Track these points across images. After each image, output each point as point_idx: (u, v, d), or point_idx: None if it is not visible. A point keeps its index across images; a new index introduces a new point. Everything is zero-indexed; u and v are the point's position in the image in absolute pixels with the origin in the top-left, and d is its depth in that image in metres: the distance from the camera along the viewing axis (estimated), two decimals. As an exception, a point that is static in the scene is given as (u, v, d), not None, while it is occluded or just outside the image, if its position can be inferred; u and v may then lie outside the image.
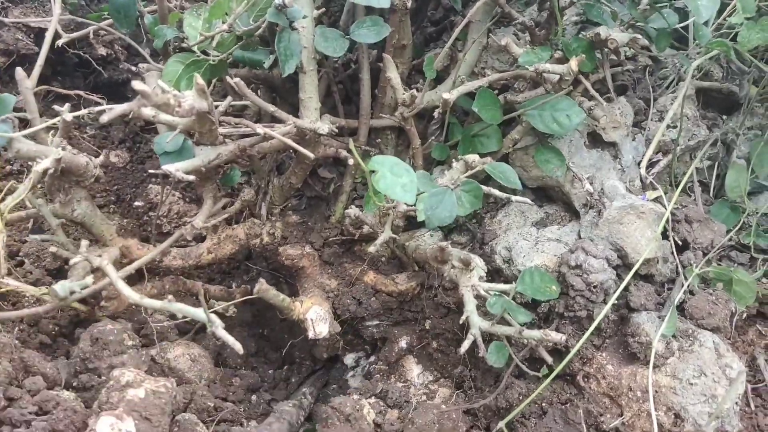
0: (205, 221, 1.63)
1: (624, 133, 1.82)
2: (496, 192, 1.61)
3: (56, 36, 1.77)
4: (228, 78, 1.50)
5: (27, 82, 1.43)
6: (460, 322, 1.46)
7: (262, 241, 1.84)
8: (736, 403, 1.41)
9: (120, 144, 2.31)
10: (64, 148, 1.37)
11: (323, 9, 1.70)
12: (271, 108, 1.57)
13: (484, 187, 1.56)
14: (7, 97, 1.38)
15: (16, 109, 1.45)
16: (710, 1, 1.48)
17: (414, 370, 1.82)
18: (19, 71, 1.42)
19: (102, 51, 2.36)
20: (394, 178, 1.35)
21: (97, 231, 1.58)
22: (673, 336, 1.47)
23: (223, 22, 1.50)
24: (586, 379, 1.53)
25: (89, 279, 1.35)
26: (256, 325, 2.08)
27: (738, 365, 1.42)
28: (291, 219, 1.93)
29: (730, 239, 1.71)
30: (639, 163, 1.80)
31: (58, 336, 1.59)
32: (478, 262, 1.54)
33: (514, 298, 1.48)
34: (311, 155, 1.51)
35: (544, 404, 1.54)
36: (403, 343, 1.85)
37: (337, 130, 1.66)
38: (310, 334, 1.61)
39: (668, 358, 1.45)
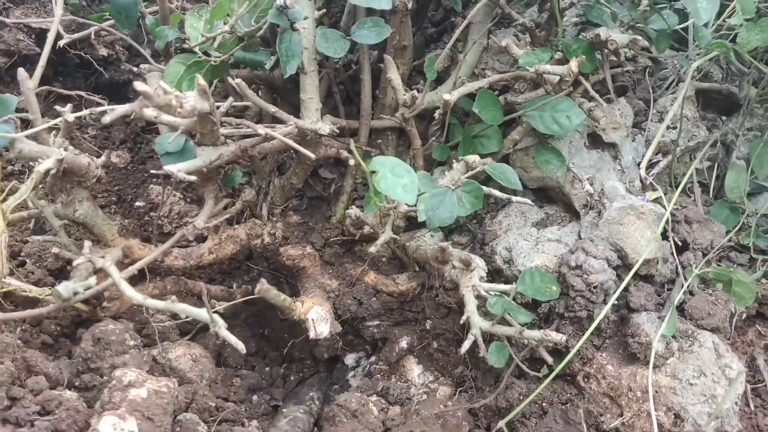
0: (207, 222, 1.64)
1: (624, 133, 1.82)
2: (497, 193, 1.62)
3: (58, 37, 1.77)
4: (229, 79, 1.51)
5: (29, 82, 1.43)
6: (461, 322, 1.46)
7: (263, 241, 1.85)
8: (736, 403, 1.41)
9: (121, 144, 2.32)
10: (65, 149, 1.38)
11: (324, 10, 1.70)
12: (272, 109, 1.57)
13: (484, 188, 1.57)
14: (10, 98, 1.38)
15: (17, 110, 1.45)
16: (709, 2, 1.48)
17: (414, 370, 1.83)
18: (22, 72, 1.42)
19: (103, 51, 2.37)
20: (395, 179, 1.35)
21: (98, 231, 1.58)
22: (673, 336, 1.48)
23: (225, 23, 1.50)
24: (586, 379, 1.54)
25: (92, 280, 1.35)
26: (256, 325, 2.08)
27: (737, 365, 1.43)
28: (292, 219, 1.94)
29: (729, 240, 1.71)
30: (639, 164, 1.80)
31: (60, 336, 1.59)
32: (478, 262, 1.55)
33: (514, 299, 1.49)
34: (312, 156, 1.51)
35: (544, 404, 1.55)
36: (403, 343, 1.86)
37: (338, 131, 1.66)
38: (311, 334, 1.62)
39: (668, 359, 1.46)
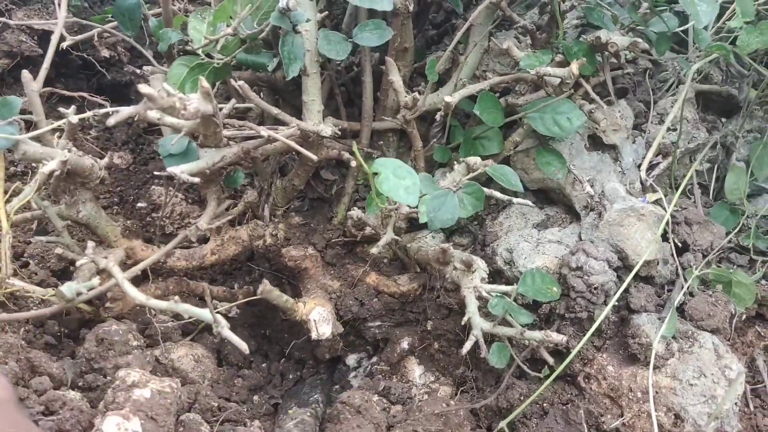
0: (210, 223, 1.64)
1: (624, 135, 1.83)
2: (498, 194, 1.62)
3: (61, 38, 1.78)
4: (232, 81, 1.52)
5: (33, 84, 1.44)
6: (462, 323, 1.47)
7: (265, 242, 1.85)
8: (736, 403, 1.42)
9: (123, 145, 2.32)
10: (69, 150, 1.39)
11: (326, 12, 1.71)
12: (274, 110, 1.58)
13: (485, 190, 1.57)
14: (14, 100, 1.39)
15: (21, 111, 1.46)
16: (709, 5, 1.49)
17: (416, 370, 1.84)
18: (26, 74, 1.43)
19: (105, 53, 2.37)
20: (397, 181, 1.36)
21: (102, 232, 1.59)
22: (673, 337, 1.48)
23: (228, 26, 1.51)
24: (586, 380, 1.55)
25: (95, 280, 1.36)
26: (258, 325, 2.09)
27: (737, 366, 1.43)
28: (293, 220, 1.94)
29: (729, 241, 1.72)
30: (639, 166, 1.81)
31: (64, 336, 1.60)
32: (480, 263, 1.55)
33: (515, 300, 1.49)
34: (314, 157, 1.52)
35: (545, 405, 1.55)
36: (404, 344, 1.86)
37: (339, 133, 1.67)
38: (313, 335, 1.62)
39: (668, 359, 1.46)
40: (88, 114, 1.48)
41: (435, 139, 1.92)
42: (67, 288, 1.29)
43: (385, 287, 1.86)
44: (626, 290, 1.54)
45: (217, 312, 1.15)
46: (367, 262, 1.90)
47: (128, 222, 2.05)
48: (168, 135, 1.63)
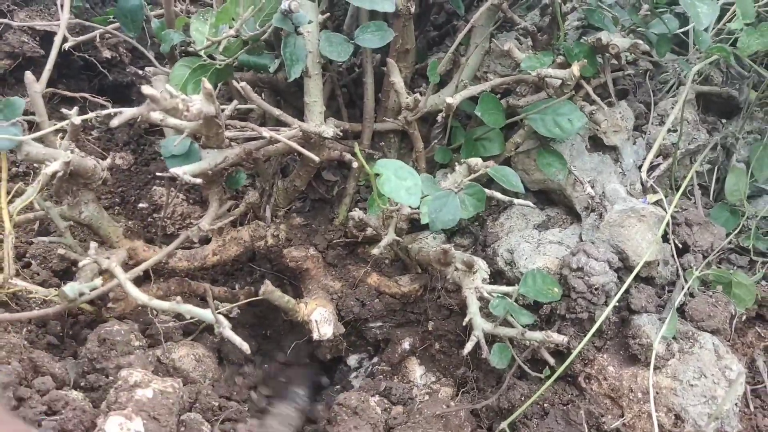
0: (211, 223, 1.65)
1: (625, 137, 1.84)
2: (499, 195, 1.63)
3: (63, 39, 1.78)
4: (234, 82, 1.52)
5: (36, 86, 1.44)
6: (463, 323, 1.47)
7: (266, 243, 1.86)
8: (736, 404, 1.42)
9: (124, 146, 2.33)
10: (72, 151, 1.39)
11: (327, 14, 1.72)
12: (276, 112, 1.58)
13: (486, 191, 1.58)
14: (18, 101, 1.40)
15: (23, 112, 1.47)
16: (710, 7, 1.50)
17: (417, 371, 1.84)
18: (29, 75, 1.43)
19: (107, 54, 2.38)
20: (399, 182, 1.37)
21: (104, 233, 1.59)
22: (674, 338, 1.49)
23: (230, 27, 1.52)
24: (587, 380, 1.55)
25: (98, 281, 1.36)
26: (259, 325, 2.09)
27: (737, 367, 1.44)
28: (295, 221, 1.95)
29: (729, 242, 1.72)
30: (640, 167, 1.81)
31: (66, 337, 1.60)
32: (481, 264, 1.56)
33: (516, 300, 1.49)
34: (316, 158, 1.53)
35: (545, 405, 1.56)
36: (406, 345, 1.87)
37: (341, 134, 1.67)
38: (315, 336, 1.63)
39: (669, 360, 1.47)
40: (91, 115, 1.49)
41: (436, 140, 1.93)
42: (70, 288, 1.30)
43: (386, 288, 1.86)
44: (627, 291, 1.54)
45: (219, 312, 1.16)
46: (369, 263, 1.91)
47: (130, 223, 2.06)
48: (170, 136, 1.64)
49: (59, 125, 1.44)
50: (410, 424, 1.54)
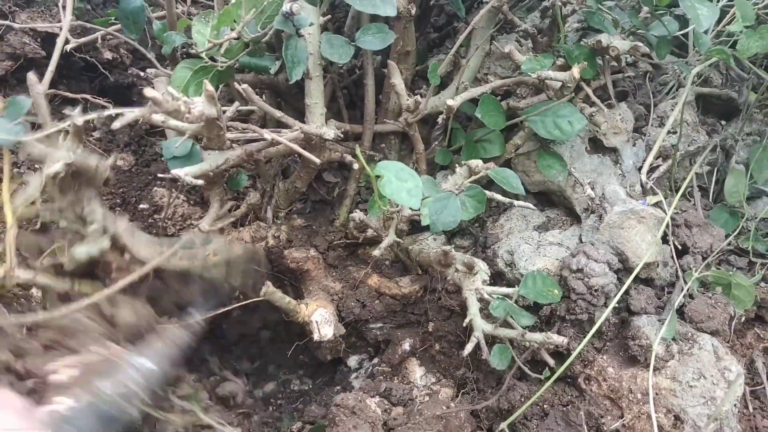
0: (212, 224, 1.66)
1: (625, 138, 1.84)
2: (499, 197, 1.63)
3: (65, 41, 1.79)
4: (236, 84, 1.53)
5: (39, 87, 1.45)
6: (464, 324, 1.48)
7: (267, 244, 1.86)
8: (735, 405, 1.43)
9: (125, 147, 2.33)
10: (74, 152, 1.39)
11: (328, 16, 1.72)
12: (277, 113, 1.59)
13: (487, 192, 1.58)
14: (23, 100, 1.40)
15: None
16: (710, 9, 1.50)
17: (417, 371, 1.84)
18: (31, 76, 1.44)
19: (108, 55, 2.39)
20: (400, 183, 1.37)
21: (105, 233, 1.60)
22: (673, 339, 1.49)
23: (232, 29, 1.52)
24: (587, 382, 1.55)
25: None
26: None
27: (736, 368, 1.44)
28: (296, 222, 1.95)
29: (729, 244, 1.73)
30: (639, 169, 1.82)
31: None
32: (481, 266, 1.56)
33: (516, 302, 1.50)
34: (317, 160, 1.53)
35: (545, 406, 1.56)
36: (406, 346, 1.87)
37: (342, 135, 1.68)
38: (315, 337, 1.63)
39: (668, 361, 1.47)
40: (93, 116, 1.49)
41: (436, 142, 1.93)
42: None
43: (386, 289, 1.87)
44: (626, 292, 1.54)
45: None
46: (369, 264, 1.91)
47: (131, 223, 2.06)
48: (172, 137, 1.65)
49: (61, 126, 1.44)
50: (410, 425, 1.54)
